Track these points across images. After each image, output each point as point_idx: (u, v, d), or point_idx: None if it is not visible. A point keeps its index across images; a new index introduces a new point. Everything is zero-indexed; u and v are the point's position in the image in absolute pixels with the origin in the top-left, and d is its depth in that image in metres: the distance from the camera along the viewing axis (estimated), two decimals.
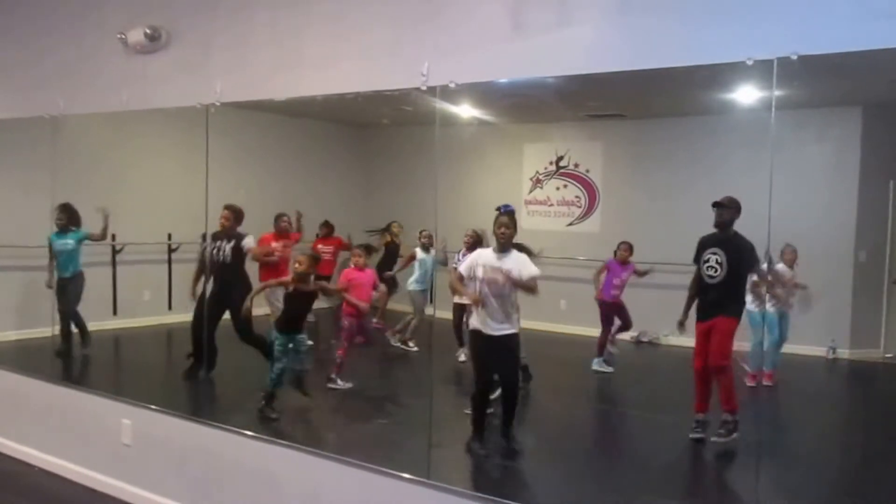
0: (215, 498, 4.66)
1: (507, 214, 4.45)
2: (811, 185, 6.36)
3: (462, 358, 6.04)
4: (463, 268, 4.56)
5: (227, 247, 5.70)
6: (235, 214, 5.78)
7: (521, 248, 4.59)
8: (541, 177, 8.04)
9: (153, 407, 5.02)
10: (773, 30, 3.02)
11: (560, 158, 7.91)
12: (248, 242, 5.80)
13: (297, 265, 5.13)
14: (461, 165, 8.01)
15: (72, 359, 6.43)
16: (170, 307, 7.10)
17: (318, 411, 5.41)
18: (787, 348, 5.99)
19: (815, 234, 6.27)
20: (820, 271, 6.30)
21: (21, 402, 5.90)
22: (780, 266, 5.92)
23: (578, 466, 4.51)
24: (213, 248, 5.67)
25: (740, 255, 4.72)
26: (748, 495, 3.99)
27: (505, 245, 4.45)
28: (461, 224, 7.82)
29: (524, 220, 8.12)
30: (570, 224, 7.83)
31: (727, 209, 4.86)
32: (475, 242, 5.80)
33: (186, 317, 5.90)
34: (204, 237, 5.66)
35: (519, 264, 4.42)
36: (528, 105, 5.90)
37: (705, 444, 4.74)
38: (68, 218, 6.35)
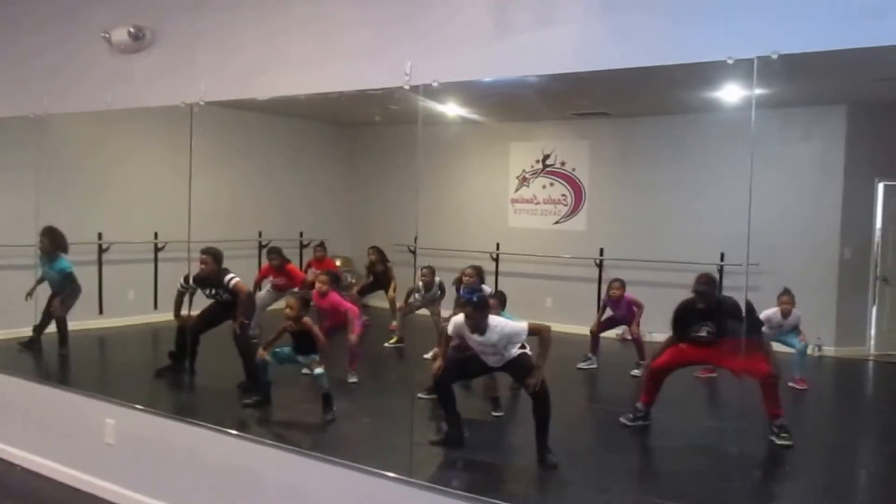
0: (199, 497, 4.64)
1: (469, 305, 4.38)
2: (797, 183, 6.39)
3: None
4: (451, 331, 4.53)
5: (223, 293, 5.68)
6: (214, 257, 5.69)
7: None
8: (527, 175, 8.05)
9: (137, 406, 5.00)
10: (753, 29, 3.03)
11: (546, 157, 7.93)
12: (235, 282, 5.69)
13: (287, 309, 5.14)
14: (448, 164, 8.02)
15: (43, 353, 6.43)
16: (156, 306, 7.08)
17: (303, 410, 5.40)
18: (775, 346, 6.00)
19: (801, 232, 6.31)
20: (805, 269, 6.33)
21: (3, 400, 5.87)
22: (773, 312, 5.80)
23: (564, 463, 4.50)
24: (208, 293, 5.71)
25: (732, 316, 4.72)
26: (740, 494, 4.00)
27: (476, 329, 4.36)
28: (448, 222, 7.86)
29: (510, 219, 8.15)
30: (557, 222, 7.85)
31: (706, 296, 4.92)
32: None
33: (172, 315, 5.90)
34: (186, 280, 5.73)
35: (506, 338, 4.34)
36: (514, 104, 5.91)
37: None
38: (51, 243, 6.28)
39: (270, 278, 6.88)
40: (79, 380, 5.92)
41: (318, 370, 5.04)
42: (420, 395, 5.22)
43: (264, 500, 4.35)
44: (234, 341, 5.63)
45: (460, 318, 4.43)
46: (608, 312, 6.39)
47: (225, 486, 4.52)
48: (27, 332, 6.33)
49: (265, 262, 7.02)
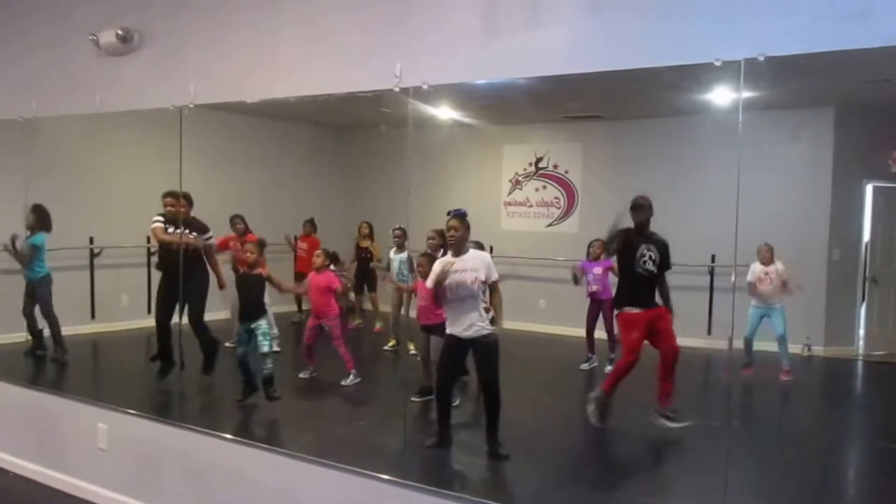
0: (192, 501, 4.64)
1: (456, 218, 4.46)
2: (786, 185, 6.41)
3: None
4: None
5: (191, 236, 5.71)
6: (189, 201, 5.74)
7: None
8: (520, 178, 8.06)
9: (129, 411, 5.00)
10: (740, 31, 3.06)
11: (539, 160, 7.93)
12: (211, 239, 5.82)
13: (247, 255, 5.37)
14: (441, 167, 8.01)
15: (44, 359, 6.38)
16: (149, 310, 7.05)
17: (296, 413, 5.41)
18: (764, 346, 6.04)
19: (790, 233, 6.32)
20: (795, 270, 6.35)
21: None
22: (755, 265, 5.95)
23: (557, 466, 4.52)
24: (176, 229, 5.70)
25: (664, 253, 5.00)
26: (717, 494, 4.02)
27: (456, 246, 4.46)
28: (441, 224, 7.83)
29: (503, 222, 8.15)
30: (550, 225, 7.86)
31: (646, 209, 5.10)
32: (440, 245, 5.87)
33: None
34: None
35: (483, 265, 4.44)
36: (506, 107, 5.91)
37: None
38: (36, 219, 6.27)
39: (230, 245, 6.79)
40: (71, 385, 5.90)
41: (265, 348, 5.28)
42: (413, 398, 5.24)
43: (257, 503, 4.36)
44: (193, 330, 5.72)
45: (441, 259, 4.55)
46: (589, 287, 6.40)
47: (218, 490, 4.52)
48: (15, 337, 6.30)
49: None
